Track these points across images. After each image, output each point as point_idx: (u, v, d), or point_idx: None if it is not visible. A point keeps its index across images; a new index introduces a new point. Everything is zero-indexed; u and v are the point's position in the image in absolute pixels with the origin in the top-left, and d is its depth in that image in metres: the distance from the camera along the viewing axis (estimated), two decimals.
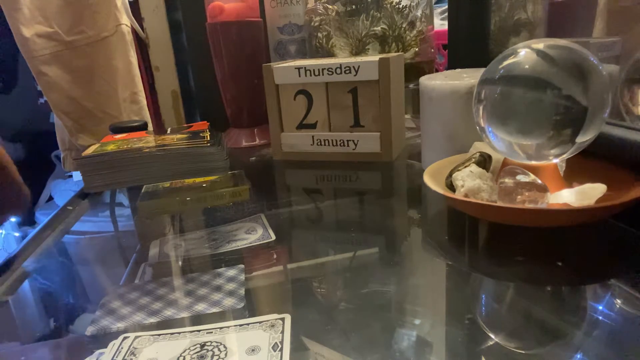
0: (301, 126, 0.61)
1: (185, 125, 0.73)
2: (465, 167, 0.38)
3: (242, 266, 0.35)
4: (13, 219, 1.44)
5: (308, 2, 0.70)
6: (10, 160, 0.36)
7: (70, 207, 0.53)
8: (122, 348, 0.26)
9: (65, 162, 0.85)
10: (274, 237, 0.39)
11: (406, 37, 0.66)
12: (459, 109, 0.45)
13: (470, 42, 0.63)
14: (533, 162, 0.35)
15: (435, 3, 0.90)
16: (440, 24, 0.91)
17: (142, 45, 0.86)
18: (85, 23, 0.72)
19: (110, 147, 0.55)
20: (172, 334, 0.27)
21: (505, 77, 0.34)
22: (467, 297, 0.30)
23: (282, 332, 0.26)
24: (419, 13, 0.66)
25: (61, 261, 0.44)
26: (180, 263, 0.38)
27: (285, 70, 0.58)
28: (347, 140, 0.58)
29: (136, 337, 0.27)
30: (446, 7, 0.81)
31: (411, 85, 0.68)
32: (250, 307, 0.30)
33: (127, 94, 0.78)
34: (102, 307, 0.31)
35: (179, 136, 0.59)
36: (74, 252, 0.47)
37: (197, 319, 0.29)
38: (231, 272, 0.34)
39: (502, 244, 0.36)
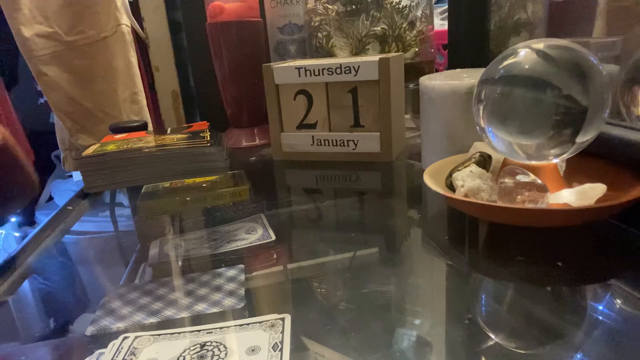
0: (301, 126, 0.61)
1: (185, 125, 0.73)
2: (465, 167, 0.38)
3: (242, 266, 0.35)
4: (13, 219, 1.44)
5: (308, 2, 0.70)
6: (14, 142, 0.35)
7: (70, 207, 0.53)
8: (122, 348, 0.26)
9: (65, 162, 0.85)
10: (274, 237, 0.39)
11: (406, 37, 0.66)
12: (459, 109, 0.45)
13: (470, 42, 0.63)
14: (533, 162, 0.35)
15: (435, 3, 0.90)
16: (440, 24, 0.91)
17: (142, 45, 0.86)
18: (85, 23, 0.72)
19: (110, 147, 0.55)
20: (172, 334, 0.27)
21: (505, 77, 0.34)
22: (467, 297, 0.30)
23: (282, 332, 0.26)
24: (419, 13, 0.66)
25: (61, 261, 0.44)
26: (180, 263, 0.38)
27: (285, 70, 0.58)
28: (347, 140, 0.58)
29: (136, 337, 0.27)
30: (446, 7, 0.81)
31: (411, 85, 0.68)
32: (250, 307, 0.30)
33: (127, 94, 0.78)
34: (102, 307, 0.31)
35: (179, 136, 0.59)
36: (74, 252, 0.47)
37: (197, 319, 0.29)
38: (231, 272, 0.34)
39: (502, 244, 0.36)
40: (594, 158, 0.37)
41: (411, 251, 0.38)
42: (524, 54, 0.33)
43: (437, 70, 0.75)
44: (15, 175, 0.36)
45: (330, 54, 0.68)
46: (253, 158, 0.66)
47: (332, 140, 0.59)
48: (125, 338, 0.27)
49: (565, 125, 0.32)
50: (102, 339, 0.28)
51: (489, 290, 0.31)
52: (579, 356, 0.23)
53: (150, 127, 0.75)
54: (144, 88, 0.82)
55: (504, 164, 0.38)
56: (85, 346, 0.28)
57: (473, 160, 0.39)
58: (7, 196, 0.37)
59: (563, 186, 0.36)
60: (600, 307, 0.27)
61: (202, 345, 0.26)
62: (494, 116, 0.35)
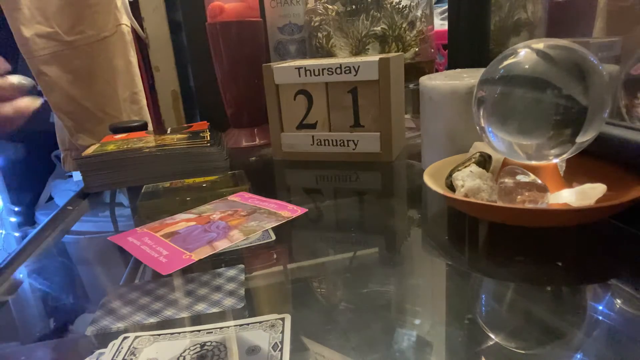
0: (301, 126, 0.61)
1: (185, 125, 0.73)
2: (465, 167, 0.38)
3: (242, 266, 0.35)
4: (13, 219, 1.44)
5: (308, 2, 0.70)
6: None
7: (70, 207, 0.53)
8: (122, 348, 0.26)
9: (65, 162, 0.85)
10: (274, 237, 0.39)
11: (406, 37, 0.66)
12: (459, 109, 0.45)
13: (470, 42, 0.63)
14: (533, 162, 0.35)
15: (435, 3, 0.90)
16: (440, 24, 0.91)
17: (142, 45, 0.86)
18: (85, 23, 0.72)
19: (110, 147, 0.55)
20: (172, 334, 0.27)
21: (505, 77, 0.34)
22: (467, 297, 0.30)
23: (282, 332, 0.26)
24: (419, 13, 0.66)
25: (61, 261, 0.44)
26: None
27: (285, 70, 0.58)
28: (347, 140, 0.58)
29: (136, 337, 0.27)
30: (446, 7, 0.81)
31: (411, 85, 0.68)
32: (250, 307, 0.30)
33: (127, 94, 0.78)
34: (102, 307, 0.31)
35: (179, 136, 0.59)
36: (74, 252, 0.47)
37: (197, 319, 0.29)
38: (231, 272, 0.34)
39: (502, 244, 0.36)
40: (594, 158, 0.37)
41: (411, 251, 0.38)
42: (524, 54, 0.33)
43: (437, 70, 0.75)
44: None
45: (330, 54, 0.68)
46: (253, 158, 0.66)
47: (332, 140, 0.59)
48: (125, 338, 0.27)
49: (565, 125, 0.32)
50: (102, 339, 0.28)
51: (489, 290, 0.31)
52: (579, 356, 0.23)
53: (150, 127, 0.75)
54: (144, 88, 0.82)
55: (504, 164, 0.38)
56: (85, 346, 0.28)
57: (473, 160, 0.39)
58: None
59: (563, 186, 0.36)
60: (600, 307, 0.27)
61: (202, 345, 0.26)
62: (494, 116, 0.35)
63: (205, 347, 0.25)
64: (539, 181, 0.33)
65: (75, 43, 0.72)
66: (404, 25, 0.65)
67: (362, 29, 0.65)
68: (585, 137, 0.33)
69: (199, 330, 0.27)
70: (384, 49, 0.66)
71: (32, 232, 0.47)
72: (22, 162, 1.48)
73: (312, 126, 0.60)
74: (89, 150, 0.54)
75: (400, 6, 0.64)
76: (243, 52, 0.70)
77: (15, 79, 0.37)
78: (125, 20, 0.77)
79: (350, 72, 0.55)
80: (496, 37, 0.66)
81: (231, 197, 0.48)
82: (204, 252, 0.35)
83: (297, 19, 0.72)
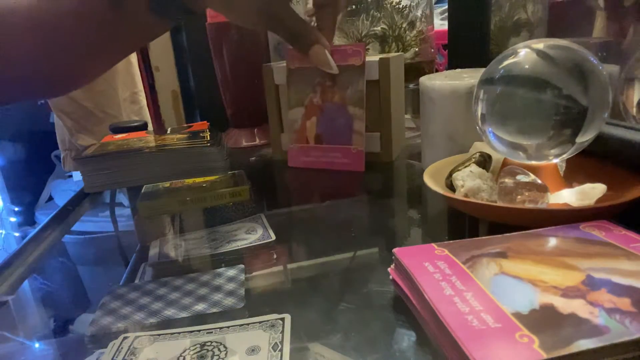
0: None
1: (185, 125, 0.73)
2: (465, 167, 0.38)
3: (242, 266, 0.35)
4: (13, 219, 1.44)
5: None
6: None
7: (70, 207, 0.53)
8: (122, 348, 0.26)
9: (65, 162, 0.85)
10: (274, 237, 0.39)
11: (406, 37, 0.66)
12: (459, 109, 0.45)
13: (470, 42, 0.63)
14: (533, 162, 0.35)
15: (435, 3, 0.90)
16: (440, 24, 0.91)
17: None
18: None
19: (110, 147, 0.55)
20: (172, 334, 0.27)
21: (505, 77, 0.34)
22: None
23: (282, 332, 0.26)
24: (419, 13, 0.66)
25: (61, 261, 0.44)
26: (180, 263, 0.38)
27: (285, 70, 0.58)
28: None
29: (136, 337, 0.27)
30: (446, 7, 0.81)
31: (411, 85, 0.68)
32: (250, 307, 0.30)
33: (127, 94, 0.79)
34: (102, 307, 0.31)
35: (179, 136, 0.59)
36: (74, 252, 0.47)
37: (197, 319, 0.29)
38: (231, 272, 0.34)
39: None
40: (594, 158, 0.36)
41: None
42: (524, 54, 0.33)
43: (437, 70, 0.75)
44: None
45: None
46: (253, 158, 0.66)
47: None
48: (125, 338, 0.27)
49: (565, 125, 0.32)
50: (102, 339, 0.28)
51: None
52: None
53: (150, 127, 0.75)
54: (144, 88, 0.82)
55: (504, 164, 0.38)
56: (85, 346, 0.28)
57: (473, 160, 0.39)
58: None
59: (563, 186, 0.36)
60: None
61: (202, 345, 0.26)
62: (494, 116, 0.35)
63: (205, 347, 0.25)
64: (539, 181, 0.33)
65: None
66: (404, 25, 0.65)
67: (362, 29, 0.65)
68: (585, 137, 0.33)
69: (199, 330, 0.27)
70: (384, 49, 0.66)
71: (32, 232, 0.47)
72: (22, 162, 1.48)
73: None
74: (89, 150, 0.54)
75: (400, 6, 0.64)
76: (243, 52, 0.70)
77: None
78: None
79: None
80: (496, 37, 0.66)
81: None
82: None
83: None
